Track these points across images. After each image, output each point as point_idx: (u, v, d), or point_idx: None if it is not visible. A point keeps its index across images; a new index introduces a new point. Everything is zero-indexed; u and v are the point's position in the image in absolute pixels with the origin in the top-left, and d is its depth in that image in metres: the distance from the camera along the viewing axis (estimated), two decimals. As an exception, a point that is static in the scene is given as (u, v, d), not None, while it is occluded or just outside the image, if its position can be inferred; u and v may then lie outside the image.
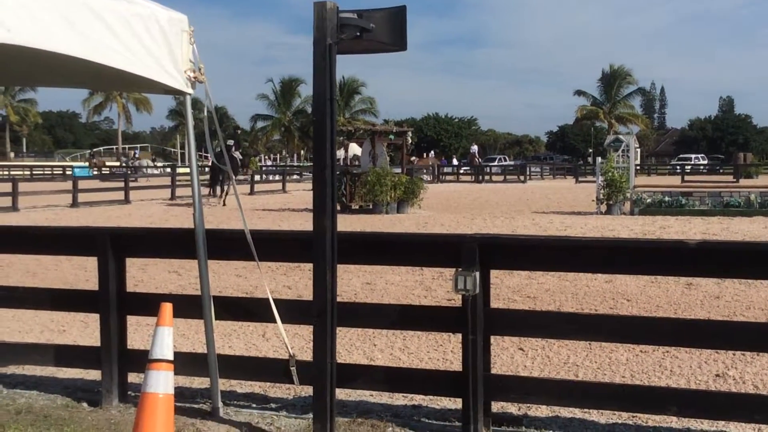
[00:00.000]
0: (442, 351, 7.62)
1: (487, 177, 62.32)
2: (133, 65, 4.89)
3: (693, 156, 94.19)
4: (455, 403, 5.48)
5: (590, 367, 7.08)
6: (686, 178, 57.56)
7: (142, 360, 4.95)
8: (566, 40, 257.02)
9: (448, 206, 29.50)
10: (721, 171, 72.38)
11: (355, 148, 32.95)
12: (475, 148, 78.03)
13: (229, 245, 5.96)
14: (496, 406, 5.64)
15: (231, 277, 12.06)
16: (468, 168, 70.67)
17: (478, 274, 5.09)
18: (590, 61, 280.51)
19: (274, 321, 5.51)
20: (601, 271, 7.33)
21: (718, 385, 6.57)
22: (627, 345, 7.37)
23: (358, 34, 5.16)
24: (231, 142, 31.56)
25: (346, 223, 22.17)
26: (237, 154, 31.98)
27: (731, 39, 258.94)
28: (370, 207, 26.24)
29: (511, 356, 7.49)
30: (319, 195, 4.92)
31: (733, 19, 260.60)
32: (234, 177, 12.12)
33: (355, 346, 7.95)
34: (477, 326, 5.14)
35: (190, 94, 5.45)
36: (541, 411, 5.74)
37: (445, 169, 68.83)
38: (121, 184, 35.24)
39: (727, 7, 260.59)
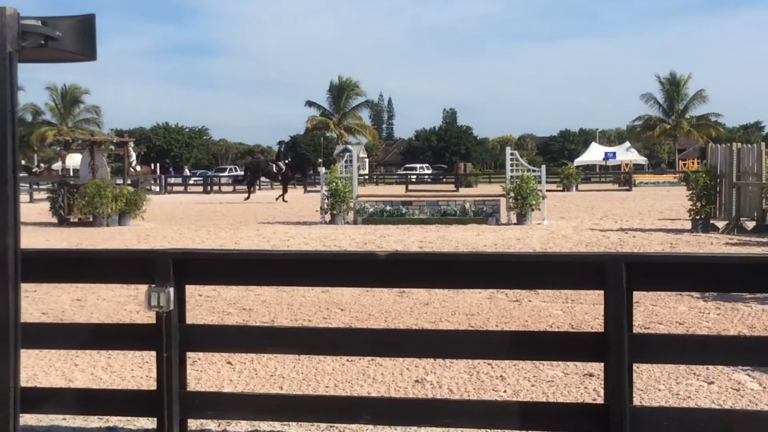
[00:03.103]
0: (147, 368, 7.41)
1: (216, 188, 61.82)
2: None
3: (418, 166, 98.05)
4: (153, 423, 5.33)
5: (296, 379, 7.12)
6: (411, 187, 59.82)
7: None
8: (298, 50, 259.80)
9: (174, 218, 28.98)
10: (444, 180, 75.74)
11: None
12: None
13: None
14: (196, 424, 5.54)
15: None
16: (198, 179, 69.88)
17: (172, 290, 4.98)
18: (323, 71, 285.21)
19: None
20: (297, 284, 7.37)
21: (416, 390, 6.78)
22: (334, 356, 7.48)
23: (43, 42, 4.90)
24: None
25: (62, 237, 21.28)
26: None
27: (455, 53, 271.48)
28: (90, 220, 25.30)
29: (218, 371, 7.41)
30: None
31: (458, 34, 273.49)
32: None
33: (54, 366, 7.58)
34: (171, 343, 5.01)
35: None
36: (241, 426, 5.70)
37: (173, 180, 67.68)
38: None
39: (452, 22, 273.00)
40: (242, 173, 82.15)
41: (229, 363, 7.61)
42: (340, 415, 5.16)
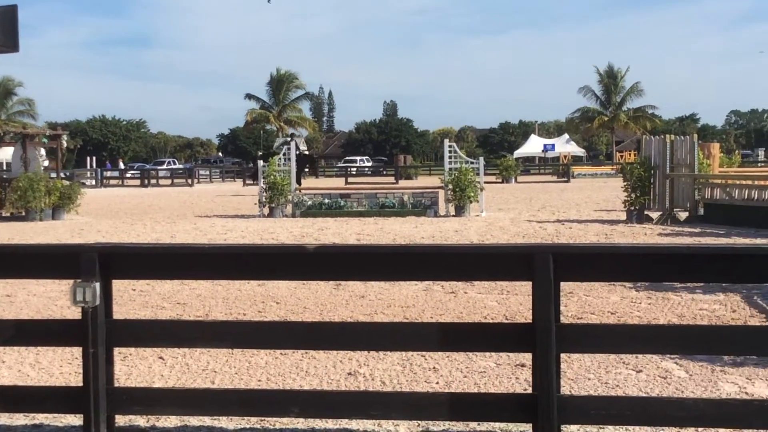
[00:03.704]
0: (76, 365, 7.28)
1: (154, 181, 61.20)
2: None
3: (359, 158, 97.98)
4: (80, 419, 5.25)
5: (228, 373, 7.07)
6: (351, 180, 59.87)
7: None
8: (239, 43, 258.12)
9: (110, 212, 28.64)
10: (384, 173, 75.81)
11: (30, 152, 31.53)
12: None
13: None
14: (124, 420, 5.47)
15: None
16: (136, 172, 69.13)
17: (98, 285, 4.90)
18: (263, 64, 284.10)
19: None
20: (228, 277, 7.28)
21: (349, 383, 6.77)
22: (267, 350, 7.44)
23: (-37, 33, 4.80)
24: None
25: (-6, 232, 20.88)
26: None
27: (397, 46, 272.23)
28: (23, 214, 24.86)
29: (149, 366, 7.32)
30: None
31: (398, 27, 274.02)
32: None
33: (-21, 364, 7.44)
34: (98, 339, 4.94)
35: None
36: (171, 421, 5.64)
37: (110, 173, 66.88)
38: None
39: (392, 16, 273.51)
40: (180, 167, 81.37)
41: (161, 358, 7.52)
42: (269, 408, 5.13)
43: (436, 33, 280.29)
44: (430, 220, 23.48)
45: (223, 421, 5.60)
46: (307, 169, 38.39)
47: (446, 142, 26.77)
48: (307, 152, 38.05)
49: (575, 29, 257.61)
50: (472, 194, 24.48)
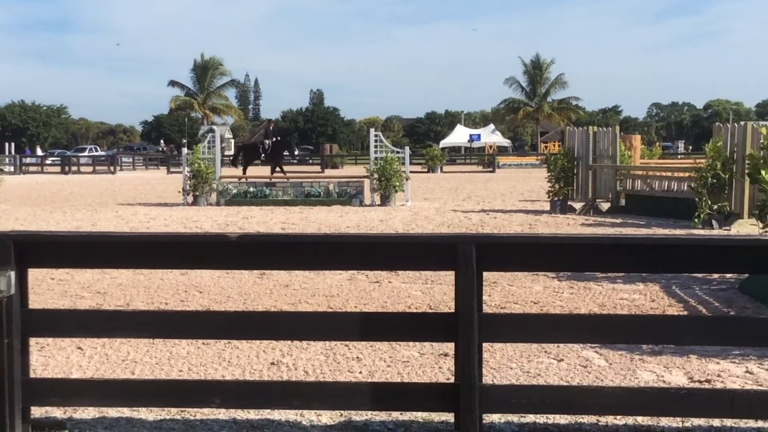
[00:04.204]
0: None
1: (75, 168, 60.14)
2: None
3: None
4: (-4, 412, 5.12)
5: (149, 363, 6.96)
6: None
7: None
8: (163, 28, 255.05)
9: (28, 199, 28.05)
10: (310, 161, 75.55)
11: None
12: None
13: None
14: (40, 411, 5.35)
15: None
16: (56, 159, 67.83)
17: (13, 273, 4.78)
18: (188, 51, 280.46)
19: None
20: (148, 266, 7.10)
21: (272, 373, 6.72)
22: (189, 339, 7.34)
23: None
24: None
25: None
26: None
27: (322, 34, 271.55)
28: (-62, 201, 24.25)
29: (67, 356, 7.17)
30: None
31: (325, 15, 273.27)
32: None
33: None
34: (12, 329, 4.82)
35: None
36: (88, 412, 5.53)
37: (29, 160, 65.53)
38: None
39: (320, 3, 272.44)
40: (102, 153, 80.00)
41: (79, 348, 7.38)
42: (189, 399, 5.07)
43: (365, 22, 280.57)
44: (355, 209, 23.47)
45: (143, 413, 5.51)
46: (286, 154, 35.60)
47: (371, 131, 26.76)
48: (277, 137, 35.16)
49: (502, 20, 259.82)
50: (398, 184, 24.52)
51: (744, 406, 4.65)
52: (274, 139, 34.35)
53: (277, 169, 32.88)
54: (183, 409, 5.52)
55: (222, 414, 5.46)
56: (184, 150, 26.93)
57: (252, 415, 5.43)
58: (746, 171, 13.90)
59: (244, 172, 31.63)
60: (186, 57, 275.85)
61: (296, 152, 44.06)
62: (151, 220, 19.84)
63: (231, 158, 37.49)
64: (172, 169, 54.93)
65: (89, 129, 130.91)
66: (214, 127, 30.34)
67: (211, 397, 4.96)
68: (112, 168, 60.23)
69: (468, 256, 4.67)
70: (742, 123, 18.15)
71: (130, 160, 72.27)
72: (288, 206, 24.19)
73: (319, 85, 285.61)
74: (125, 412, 5.50)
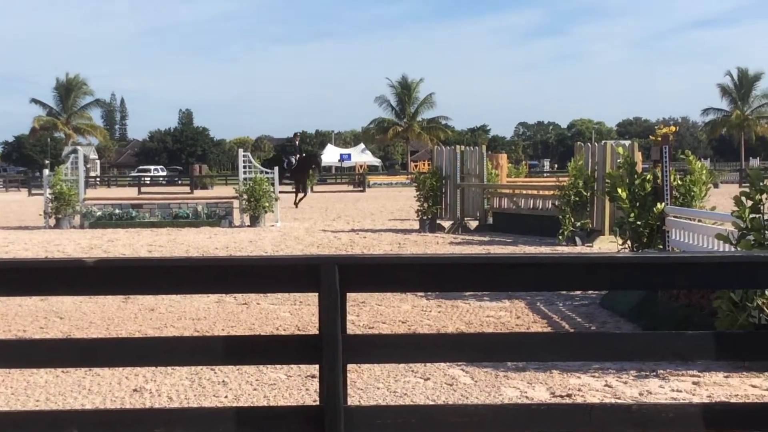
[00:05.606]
0: None
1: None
2: None
3: (152, 167, 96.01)
4: None
5: (4, 394, 6.69)
6: (145, 189, 58.41)
7: None
8: (26, 44, 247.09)
9: None
10: (179, 182, 74.41)
11: None
12: None
13: None
14: None
15: None
16: None
17: None
18: (51, 68, 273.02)
19: None
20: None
21: (134, 400, 6.56)
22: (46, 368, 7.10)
23: None
24: None
25: None
26: None
27: (192, 53, 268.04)
28: None
29: None
30: None
31: (196, 34, 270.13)
32: None
33: None
34: None
35: None
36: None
37: None
38: None
39: (191, 22, 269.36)
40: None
41: (-73, 380, 7.06)
42: (44, 430, 4.88)
43: (234, 41, 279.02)
44: (224, 230, 23.21)
45: (-5, 447, 5.28)
46: (312, 171, 33.89)
47: (240, 151, 26.55)
48: (302, 153, 32.79)
49: (376, 40, 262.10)
50: (267, 204, 24.37)
51: (602, 419, 4.74)
52: (300, 155, 32.85)
53: (300, 187, 32.14)
54: (38, 441, 5.31)
55: (80, 445, 5.27)
56: (45, 171, 26.11)
57: (112, 445, 5.27)
58: (606, 189, 14.34)
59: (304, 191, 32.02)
60: (49, 75, 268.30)
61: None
62: (10, 245, 19.17)
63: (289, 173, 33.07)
64: (33, 191, 53.26)
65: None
66: (78, 147, 29.55)
67: (68, 428, 4.77)
68: (-30, 190, 58.07)
69: (331, 277, 4.64)
70: (602, 142, 18.75)
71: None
72: (155, 228, 23.74)
73: (190, 105, 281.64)
74: (-24, 446, 5.26)
